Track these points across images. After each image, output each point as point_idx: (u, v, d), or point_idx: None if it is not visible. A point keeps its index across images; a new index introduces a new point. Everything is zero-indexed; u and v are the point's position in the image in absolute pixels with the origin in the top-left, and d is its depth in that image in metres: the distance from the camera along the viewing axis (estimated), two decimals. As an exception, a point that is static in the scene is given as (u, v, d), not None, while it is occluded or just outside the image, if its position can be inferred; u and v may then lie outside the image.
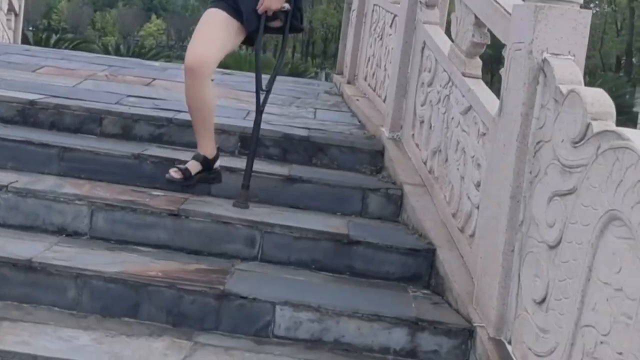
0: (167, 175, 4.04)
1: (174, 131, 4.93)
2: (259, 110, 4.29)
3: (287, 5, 4.15)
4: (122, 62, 7.86)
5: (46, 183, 4.18)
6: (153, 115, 5.05)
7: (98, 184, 4.32)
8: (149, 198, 4.13)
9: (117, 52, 26.49)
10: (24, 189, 4.04)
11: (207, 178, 4.16)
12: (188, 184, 4.06)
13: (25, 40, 23.55)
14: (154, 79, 6.61)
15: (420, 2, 4.91)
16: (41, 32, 56.52)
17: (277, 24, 4.21)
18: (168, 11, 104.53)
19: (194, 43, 4.04)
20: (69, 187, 4.16)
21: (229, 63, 23.70)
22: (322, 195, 4.48)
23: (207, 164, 4.16)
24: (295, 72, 23.59)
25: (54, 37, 28.09)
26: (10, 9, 12.07)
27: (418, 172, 4.61)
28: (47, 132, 4.82)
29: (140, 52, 27.62)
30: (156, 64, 8.41)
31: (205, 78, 4.03)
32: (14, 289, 3.45)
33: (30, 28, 66.30)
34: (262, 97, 4.29)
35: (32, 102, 5.01)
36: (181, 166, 4.08)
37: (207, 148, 4.17)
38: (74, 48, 23.09)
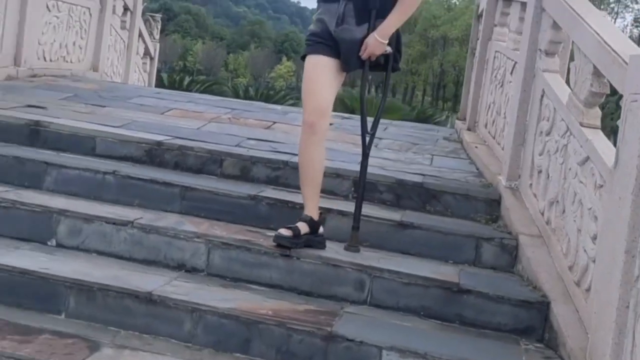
0: (277, 233, 4.09)
1: (289, 174, 5.04)
2: (365, 154, 4.33)
3: (389, 49, 4.15)
4: (245, 105, 8.10)
5: (168, 220, 4.37)
6: (270, 157, 5.18)
7: (216, 222, 4.47)
8: (263, 238, 4.24)
9: (246, 94, 27.21)
10: (148, 225, 4.24)
11: (312, 241, 4.13)
12: (296, 242, 4.07)
13: (160, 82, 24.69)
14: (274, 122, 6.78)
15: (540, 50, 4.87)
16: (176, 73, 58.89)
17: (376, 64, 4.21)
18: (298, 53, 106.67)
19: (309, 98, 4.09)
20: (189, 225, 4.33)
21: (354, 106, 23.95)
22: (433, 243, 4.47)
23: (313, 226, 4.15)
24: (422, 117, 23.47)
25: (187, 79, 29.22)
26: (146, 53, 12.70)
27: (535, 223, 4.53)
28: (171, 172, 5.04)
29: (268, 94, 28.28)
30: (278, 107, 8.62)
31: (324, 132, 4.12)
32: (136, 320, 3.64)
33: (167, 70, 69.26)
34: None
35: (159, 143, 5.25)
36: (291, 225, 4.12)
37: (314, 211, 4.18)
38: (205, 90, 23.96)
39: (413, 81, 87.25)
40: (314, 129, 4.06)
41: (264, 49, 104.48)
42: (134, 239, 4.21)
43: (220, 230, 4.31)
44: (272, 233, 4.22)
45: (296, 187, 4.92)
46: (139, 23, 11.72)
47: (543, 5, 4.88)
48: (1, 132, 5.35)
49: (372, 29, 4.09)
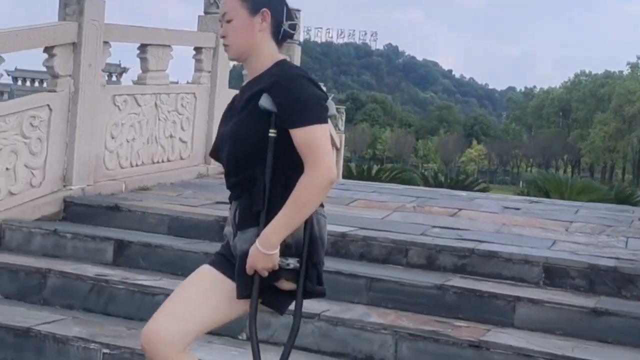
0: None
1: (477, 262, 4.98)
2: None
3: (292, 262, 2.81)
4: (430, 193, 8.13)
5: (355, 312, 4.43)
6: (455, 245, 5.15)
7: (403, 313, 4.48)
8: (451, 329, 4.21)
9: (436, 180, 27.23)
10: (335, 317, 4.32)
11: None
12: None
13: (348, 172, 25.24)
14: (460, 210, 6.74)
15: None
16: (366, 162, 60.15)
17: (286, 285, 2.87)
18: (489, 136, 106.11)
19: (156, 312, 2.87)
20: (376, 316, 4.36)
21: (548, 188, 23.20)
22: (631, 330, 4.24)
23: None
24: (621, 197, 22.26)
25: (375, 168, 29.72)
26: (332, 145, 13.11)
27: None
28: (357, 263, 5.13)
29: (458, 180, 28.11)
30: (463, 194, 8.59)
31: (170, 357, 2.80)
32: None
33: (356, 159, 70.94)
34: None
35: (343, 235, 5.37)
36: None
37: None
38: (394, 178, 24.16)
39: (612, 159, 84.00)
40: (148, 353, 2.82)
41: (453, 133, 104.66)
42: (322, 331, 4.29)
43: (407, 321, 4.31)
44: (460, 323, 4.23)
45: (484, 274, 4.90)
46: (326, 116, 12.15)
47: None
48: (193, 229, 5.71)
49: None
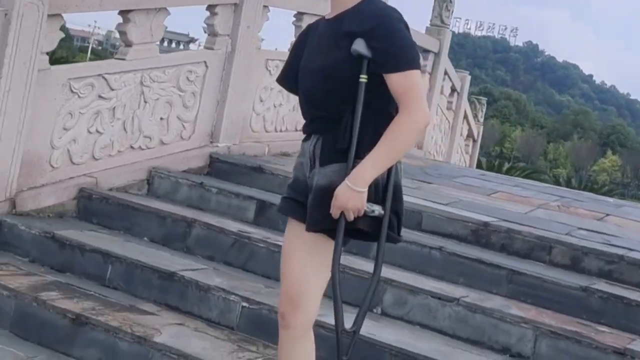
0: None
1: (625, 269, 4.76)
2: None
3: (377, 209, 2.73)
4: (574, 194, 7.84)
5: (494, 302, 4.33)
6: (603, 250, 4.92)
7: (543, 310, 4.35)
8: (594, 332, 4.06)
9: (568, 185, 26.47)
10: (474, 304, 4.23)
11: None
12: None
13: (479, 165, 24.86)
14: (607, 215, 6.46)
15: None
16: (493, 158, 59.15)
17: (362, 225, 2.76)
18: (625, 147, 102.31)
19: (281, 280, 2.91)
20: (516, 309, 4.25)
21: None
22: None
23: None
24: None
25: (506, 165, 29.18)
26: (469, 134, 12.92)
27: None
28: (497, 254, 4.99)
29: (591, 188, 27.22)
30: (610, 199, 8.25)
31: (302, 327, 2.86)
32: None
33: (482, 154, 69.79)
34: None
35: (485, 224, 5.24)
36: None
37: None
38: (525, 177, 23.67)
39: None
40: (286, 322, 2.84)
41: (587, 140, 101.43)
42: (459, 316, 4.21)
43: (549, 319, 4.19)
44: (604, 328, 4.07)
45: (632, 283, 4.71)
46: (465, 105, 11.98)
47: None
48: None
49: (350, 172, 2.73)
